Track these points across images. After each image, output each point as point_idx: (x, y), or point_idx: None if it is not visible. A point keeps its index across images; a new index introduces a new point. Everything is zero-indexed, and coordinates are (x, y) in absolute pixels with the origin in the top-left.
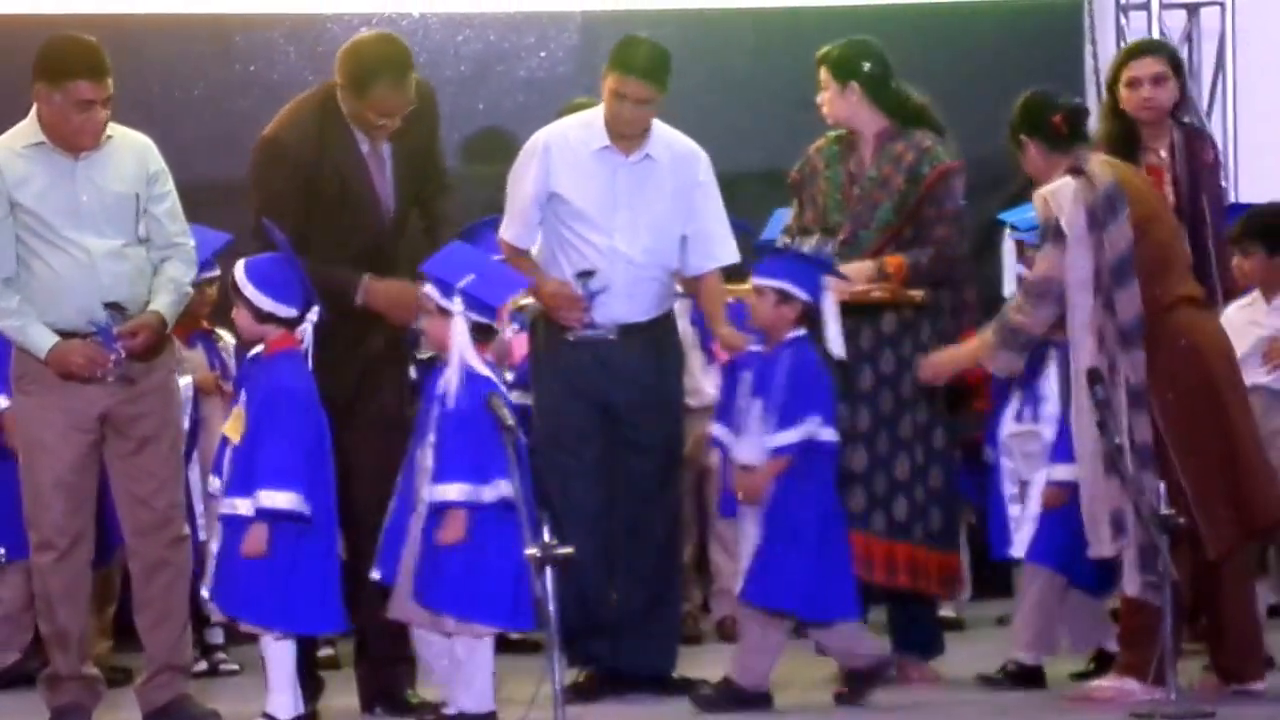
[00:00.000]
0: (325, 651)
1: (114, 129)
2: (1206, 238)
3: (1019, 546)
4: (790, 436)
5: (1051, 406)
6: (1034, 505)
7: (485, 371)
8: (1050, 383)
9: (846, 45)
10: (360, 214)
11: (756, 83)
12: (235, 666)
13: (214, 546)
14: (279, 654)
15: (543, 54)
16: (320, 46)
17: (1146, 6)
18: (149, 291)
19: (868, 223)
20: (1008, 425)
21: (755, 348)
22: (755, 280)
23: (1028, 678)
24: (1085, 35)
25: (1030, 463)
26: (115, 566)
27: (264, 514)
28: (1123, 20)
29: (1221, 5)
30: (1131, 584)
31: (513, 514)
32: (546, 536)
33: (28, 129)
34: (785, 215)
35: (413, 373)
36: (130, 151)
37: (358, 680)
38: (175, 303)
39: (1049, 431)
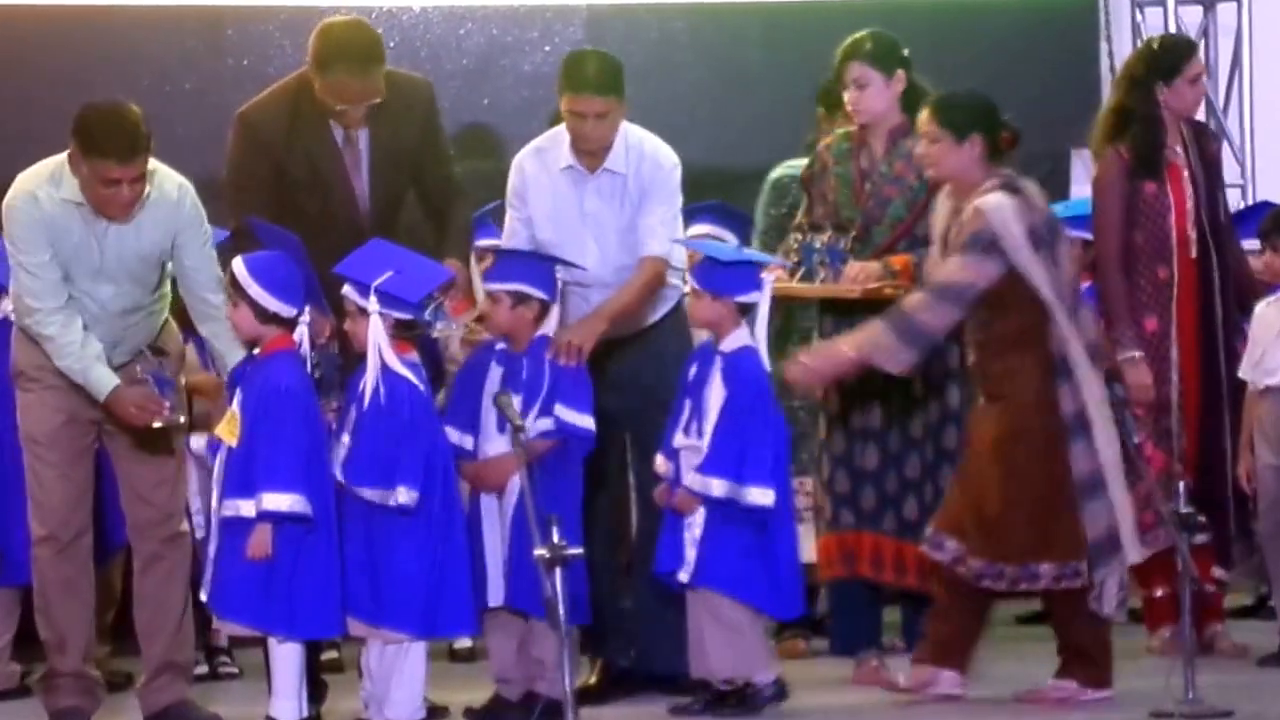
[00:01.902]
0: (329, 655)
1: (154, 180)
2: (1226, 233)
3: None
4: (546, 424)
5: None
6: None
7: (404, 371)
8: (716, 393)
9: (879, 35)
10: (332, 203)
11: (764, 77)
12: (236, 670)
13: (210, 549)
14: (284, 657)
15: (547, 48)
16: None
17: (1162, 3)
18: (150, 338)
19: (879, 219)
20: (677, 436)
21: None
22: (487, 285)
23: None
24: (1100, 32)
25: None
26: (115, 569)
27: (267, 516)
28: (1138, 17)
29: (1238, 1)
30: (1110, 604)
31: (423, 520)
32: (555, 538)
33: (69, 180)
34: None
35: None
36: (164, 204)
37: None
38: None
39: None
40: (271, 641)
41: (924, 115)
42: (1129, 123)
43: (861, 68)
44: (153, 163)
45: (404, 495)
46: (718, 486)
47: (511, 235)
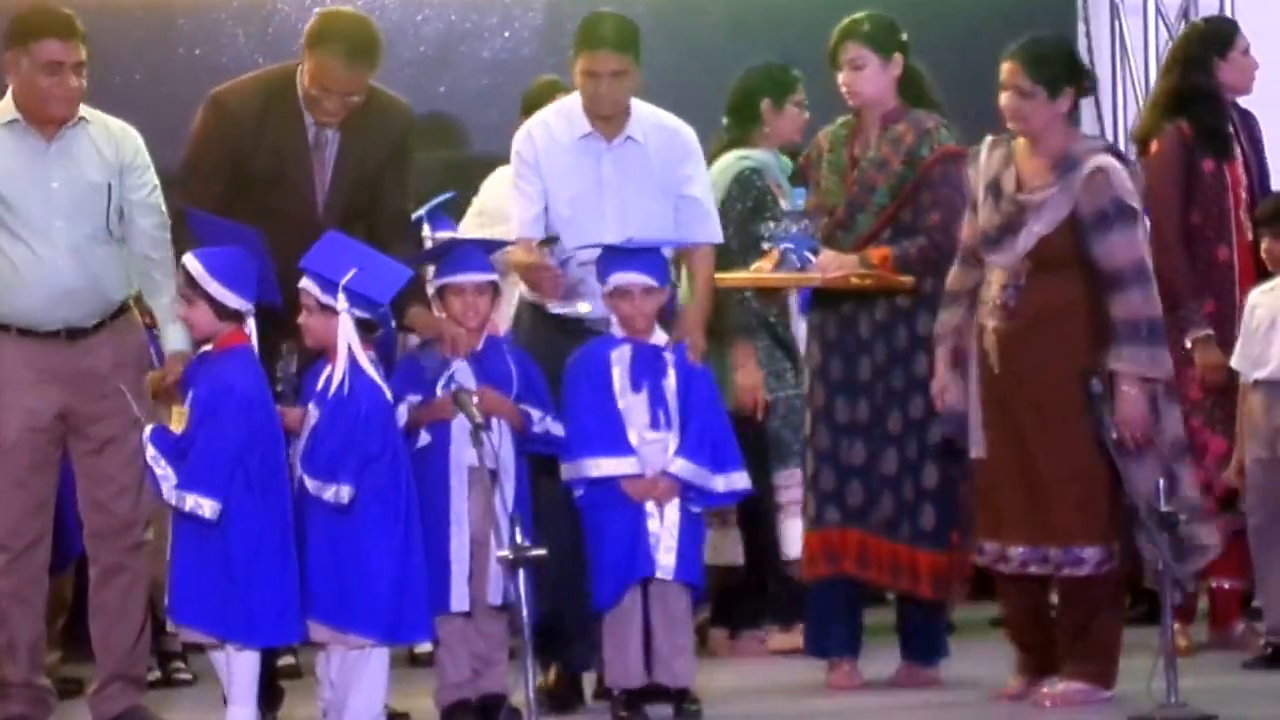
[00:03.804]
0: (286, 660)
1: (91, 113)
2: None
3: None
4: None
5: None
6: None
7: (371, 371)
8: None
9: (877, 16)
10: (290, 198)
11: (731, 65)
12: (190, 676)
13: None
14: (241, 665)
15: (506, 34)
16: (270, 28)
17: None
18: (119, 288)
19: (864, 206)
20: (642, 433)
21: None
22: (455, 279)
23: None
24: (1078, 15)
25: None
26: (68, 576)
27: (184, 515)
28: (1117, 0)
29: None
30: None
31: (389, 522)
32: (518, 538)
33: (3, 107)
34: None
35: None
36: (106, 137)
37: None
38: (182, 331)
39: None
40: (228, 648)
41: (1010, 66)
42: (1187, 102)
43: (858, 48)
44: (90, 111)
45: (345, 492)
46: (701, 473)
47: (529, 207)
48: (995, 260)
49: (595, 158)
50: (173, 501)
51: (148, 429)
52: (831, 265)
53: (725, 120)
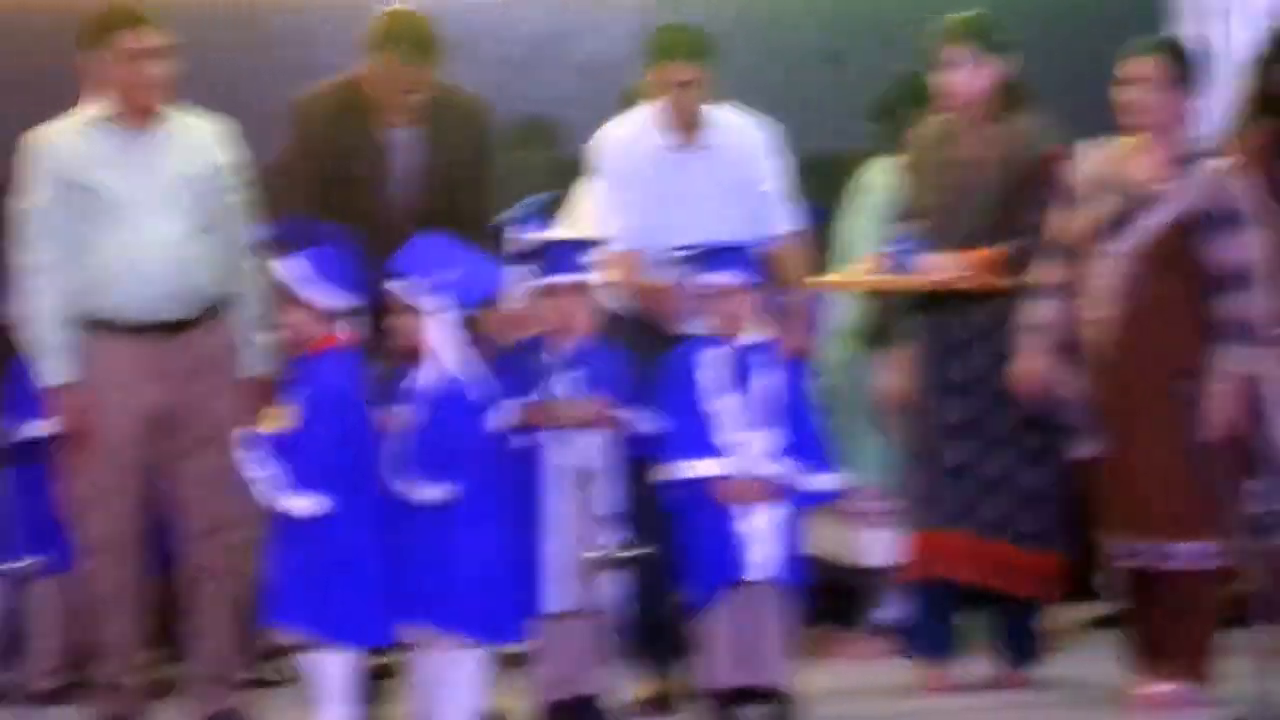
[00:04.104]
0: (380, 660)
1: (184, 111)
2: None
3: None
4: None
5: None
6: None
7: (465, 371)
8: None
9: (983, 15)
10: (365, 200)
11: (818, 65)
12: (282, 677)
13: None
14: (333, 664)
15: (598, 36)
16: (362, 30)
17: None
18: (212, 284)
19: (963, 208)
20: (735, 434)
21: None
22: (549, 280)
23: None
24: (1162, 17)
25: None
26: (161, 574)
27: (289, 518)
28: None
29: None
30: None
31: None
32: (613, 540)
33: (86, 108)
34: None
35: None
36: (200, 135)
37: None
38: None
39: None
40: (323, 649)
41: (1138, 61)
42: (1272, 103)
43: (960, 48)
44: (184, 108)
45: (445, 491)
46: (794, 473)
47: (621, 218)
48: (1111, 251)
49: (673, 166)
50: (278, 501)
51: (248, 429)
52: (936, 267)
53: (872, 127)
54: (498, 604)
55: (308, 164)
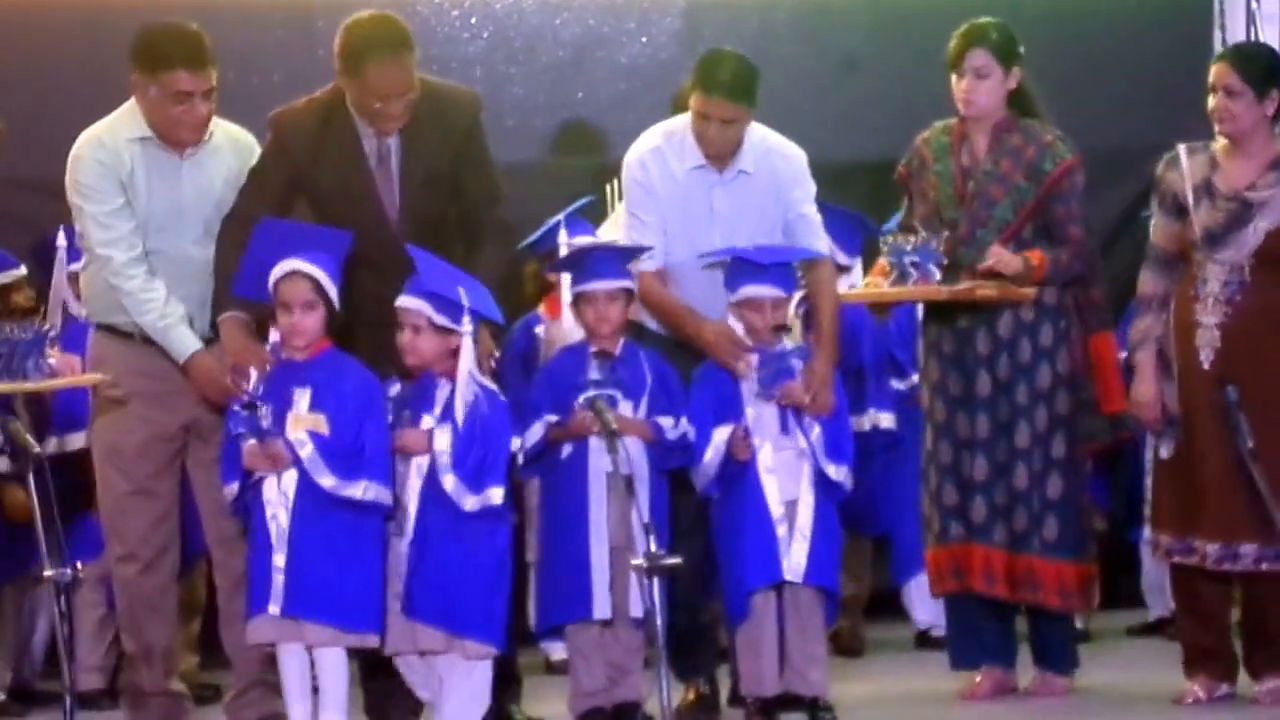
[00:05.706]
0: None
1: (219, 124)
2: None
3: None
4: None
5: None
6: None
7: (492, 385)
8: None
9: (1002, 26)
10: (359, 212)
11: (869, 68)
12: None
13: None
14: (332, 664)
15: (644, 39)
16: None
17: None
18: None
19: (985, 221)
20: (773, 440)
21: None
22: (588, 286)
23: None
24: (1215, 21)
25: (795, 480)
26: (198, 577)
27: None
28: (1254, 4)
29: None
30: None
31: (506, 528)
32: (653, 546)
33: (129, 119)
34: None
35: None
36: (234, 149)
37: None
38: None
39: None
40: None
41: (1221, 68)
42: None
43: (985, 56)
44: (217, 121)
45: (497, 495)
46: (839, 473)
47: (652, 239)
48: (1220, 258)
49: (706, 189)
50: (346, 495)
51: (299, 433)
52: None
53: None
54: (502, 611)
55: (281, 182)
